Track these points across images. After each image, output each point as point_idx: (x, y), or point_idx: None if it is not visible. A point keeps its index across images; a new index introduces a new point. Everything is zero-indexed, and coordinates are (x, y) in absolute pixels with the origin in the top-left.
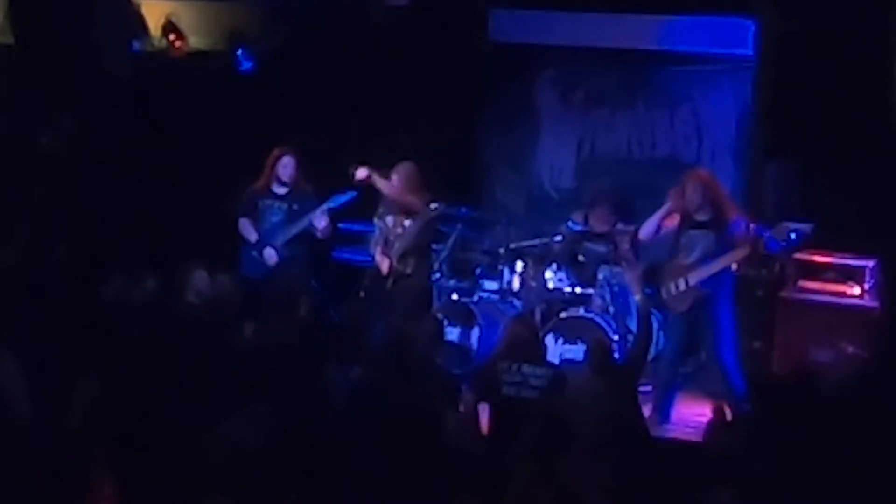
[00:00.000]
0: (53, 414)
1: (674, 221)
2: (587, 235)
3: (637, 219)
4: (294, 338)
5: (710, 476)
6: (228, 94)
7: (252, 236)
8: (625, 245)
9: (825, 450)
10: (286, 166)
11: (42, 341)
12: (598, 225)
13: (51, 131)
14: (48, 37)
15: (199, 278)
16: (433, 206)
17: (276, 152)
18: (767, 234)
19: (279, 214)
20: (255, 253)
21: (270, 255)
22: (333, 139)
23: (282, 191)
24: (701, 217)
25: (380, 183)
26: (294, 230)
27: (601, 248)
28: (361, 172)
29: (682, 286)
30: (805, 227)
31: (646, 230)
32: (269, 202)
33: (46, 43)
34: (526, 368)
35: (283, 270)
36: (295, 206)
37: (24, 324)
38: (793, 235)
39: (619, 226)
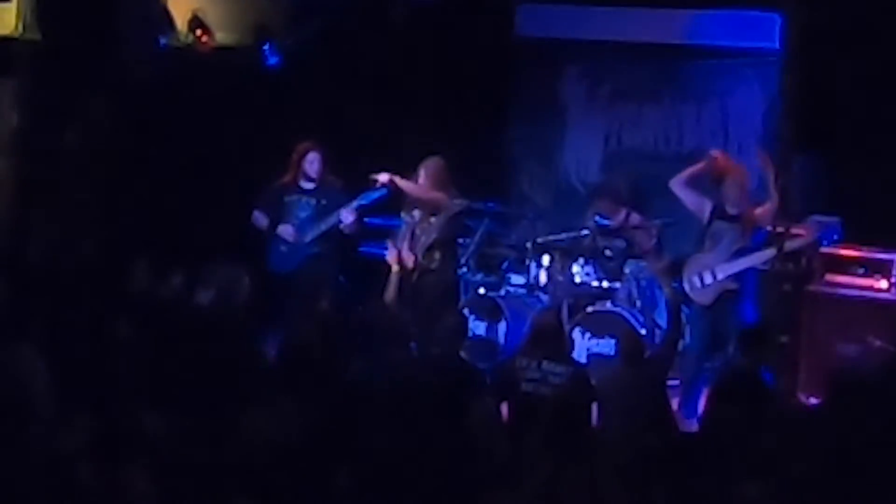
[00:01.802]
0: (77, 410)
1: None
2: (606, 231)
3: (651, 209)
4: (320, 333)
5: (737, 470)
6: (255, 90)
7: (263, 222)
8: (650, 239)
9: (852, 443)
10: (312, 162)
11: (67, 338)
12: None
13: (77, 126)
14: (75, 32)
15: (225, 274)
16: (457, 200)
17: (301, 148)
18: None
19: (307, 210)
20: (282, 247)
21: (287, 231)
22: (360, 135)
23: (309, 186)
24: (731, 210)
25: (403, 184)
26: (323, 226)
27: (618, 242)
28: (383, 177)
29: (709, 279)
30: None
31: (678, 182)
32: (296, 197)
33: (73, 38)
34: (546, 365)
35: (311, 266)
36: (324, 202)
37: (49, 320)
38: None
39: (634, 216)
